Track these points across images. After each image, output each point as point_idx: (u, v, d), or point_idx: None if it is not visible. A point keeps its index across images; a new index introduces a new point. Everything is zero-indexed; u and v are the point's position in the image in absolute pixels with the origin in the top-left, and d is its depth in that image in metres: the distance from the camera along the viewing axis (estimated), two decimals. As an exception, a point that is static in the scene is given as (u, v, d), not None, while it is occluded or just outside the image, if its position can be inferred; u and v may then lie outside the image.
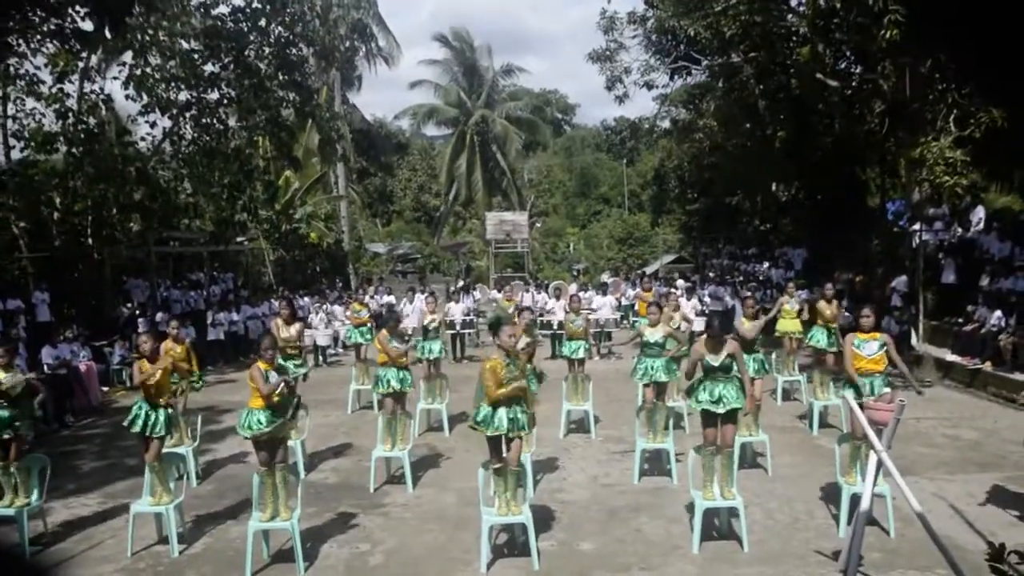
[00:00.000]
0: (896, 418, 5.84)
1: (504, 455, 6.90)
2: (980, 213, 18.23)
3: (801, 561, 6.77)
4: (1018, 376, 12.94)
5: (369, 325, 14.79)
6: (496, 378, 6.79)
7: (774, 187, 27.95)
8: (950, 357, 14.91)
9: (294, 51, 20.41)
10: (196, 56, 18.85)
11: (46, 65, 16.98)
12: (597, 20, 21.89)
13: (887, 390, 7.60)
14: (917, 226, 16.37)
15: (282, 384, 7.18)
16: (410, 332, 12.71)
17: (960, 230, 18.61)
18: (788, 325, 13.26)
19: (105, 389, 15.46)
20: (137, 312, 18.93)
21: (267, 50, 19.73)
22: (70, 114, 17.40)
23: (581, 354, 11.86)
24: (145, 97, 18.56)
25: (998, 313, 14.28)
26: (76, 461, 10.98)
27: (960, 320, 15.58)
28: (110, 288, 19.41)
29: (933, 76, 13.81)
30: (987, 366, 13.78)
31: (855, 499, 7.15)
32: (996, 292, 15.08)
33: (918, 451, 9.94)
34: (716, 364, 7.28)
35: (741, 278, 26.56)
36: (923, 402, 12.58)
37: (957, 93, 13.36)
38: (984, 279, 15.78)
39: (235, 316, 20.02)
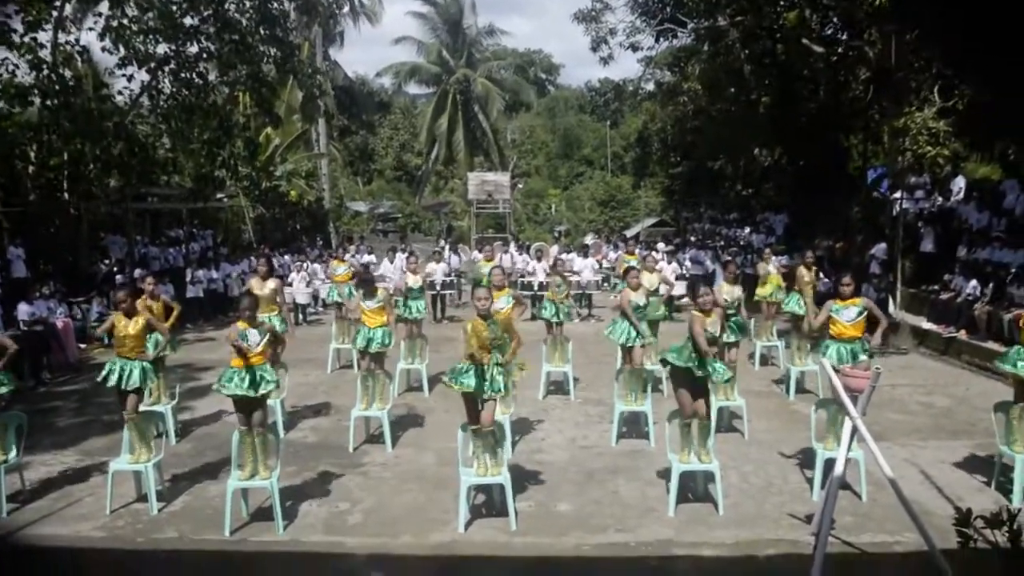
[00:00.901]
0: (872, 385, 5.91)
1: (478, 415, 6.94)
2: (960, 183, 18.33)
3: (775, 524, 6.89)
4: (991, 345, 13.11)
5: (349, 284, 14.73)
6: (479, 338, 6.85)
7: (757, 152, 27.92)
8: (926, 325, 15.08)
9: (275, 5, 20.00)
10: (175, 8, 18.42)
11: (18, 12, 16.53)
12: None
13: (864, 357, 7.69)
14: (898, 194, 16.44)
15: (265, 339, 7.17)
16: (391, 291, 12.73)
17: (940, 199, 18.73)
18: (766, 290, 13.36)
19: (82, 346, 15.34)
20: (115, 269, 18.74)
21: (248, 3, 19.32)
22: (44, 66, 16.99)
23: (562, 318, 11.89)
24: (122, 50, 18.15)
25: (974, 282, 14.44)
26: (53, 418, 10.94)
27: (937, 288, 15.76)
28: (87, 244, 19.16)
29: (919, 45, 13.79)
30: (962, 334, 13.95)
31: (829, 464, 7.28)
32: (973, 262, 15.22)
33: (892, 417, 10.09)
34: (717, 332, 7.25)
35: (722, 243, 26.64)
36: (899, 369, 12.82)
37: (941, 63, 13.37)
38: (961, 248, 15.92)
39: (214, 274, 19.88)
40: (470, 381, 6.81)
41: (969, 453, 8.66)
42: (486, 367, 6.87)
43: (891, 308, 15.63)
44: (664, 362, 7.46)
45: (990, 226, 16.03)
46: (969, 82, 12.76)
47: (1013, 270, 14.04)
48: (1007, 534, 2.96)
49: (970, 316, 13.97)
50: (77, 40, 18.32)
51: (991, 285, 14.02)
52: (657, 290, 12.06)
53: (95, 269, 18.70)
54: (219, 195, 24.86)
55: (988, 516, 3.00)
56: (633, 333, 9.84)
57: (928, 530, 5.57)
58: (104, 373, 7.66)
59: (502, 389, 6.93)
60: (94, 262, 19.10)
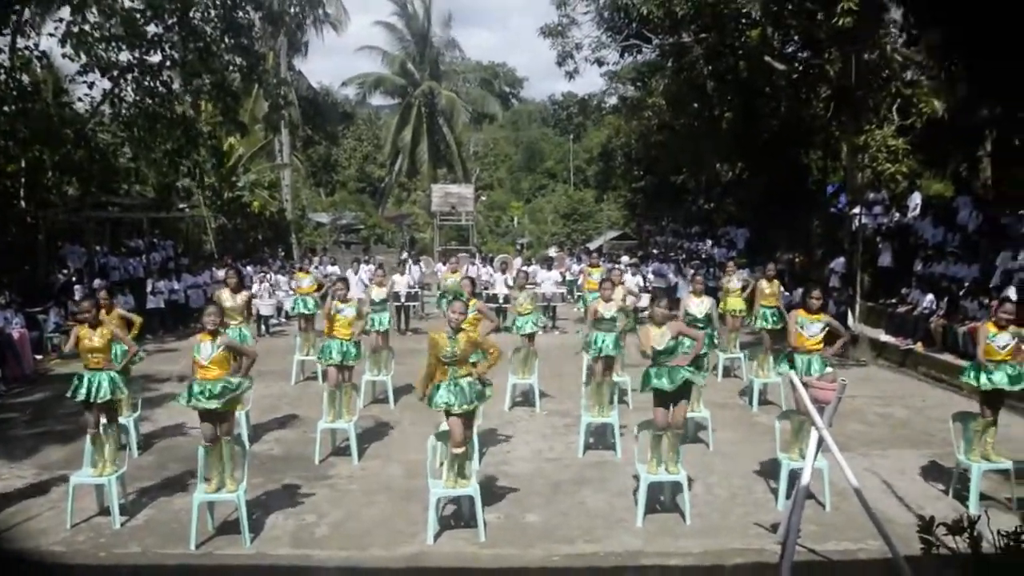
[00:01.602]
0: (838, 397, 6.03)
1: (462, 431, 6.91)
2: (916, 199, 18.81)
3: (741, 533, 6.97)
4: (947, 357, 13.42)
5: (314, 295, 14.63)
6: (435, 350, 6.85)
7: (719, 167, 28.31)
8: (884, 337, 15.39)
9: (242, 14, 19.83)
10: (138, 15, 18.17)
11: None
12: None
13: (829, 369, 7.83)
14: (856, 210, 16.80)
15: (216, 352, 7.01)
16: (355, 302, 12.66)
17: (897, 215, 19.15)
18: (730, 303, 13.54)
19: (38, 357, 15.00)
20: (73, 279, 18.39)
21: (213, 12, 19.14)
22: (1, 70, 16.66)
23: (529, 329, 11.94)
24: (83, 56, 17.86)
25: (930, 296, 14.80)
26: (9, 431, 10.69)
27: (894, 302, 16.09)
28: (44, 253, 18.79)
29: (879, 65, 14.13)
30: (919, 347, 14.26)
31: (793, 474, 7.39)
32: (929, 276, 15.60)
33: (853, 428, 10.26)
34: (661, 348, 7.31)
35: (684, 256, 26.93)
36: (858, 381, 13.03)
37: (901, 83, 13.74)
38: (918, 263, 16.30)
39: (176, 284, 19.62)
40: (445, 398, 6.78)
41: (927, 462, 8.86)
42: (449, 382, 6.85)
43: (850, 321, 15.90)
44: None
45: (945, 242, 16.44)
46: (948, 84, 13.11)
47: (967, 284, 14.41)
48: (968, 540, 3.04)
49: (926, 329, 14.29)
50: (36, 45, 18.01)
51: (946, 299, 14.36)
52: (625, 300, 12.17)
53: (53, 279, 18.32)
54: (181, 205, 24.57)
55: (950, 523, 3.09)
56: (602, 344, 9.86)
57: (892, 538, 5.68)
58: (72, 388, 7.50)
59: (475, 400, 6.91)
60: (51, 271, 18.72)
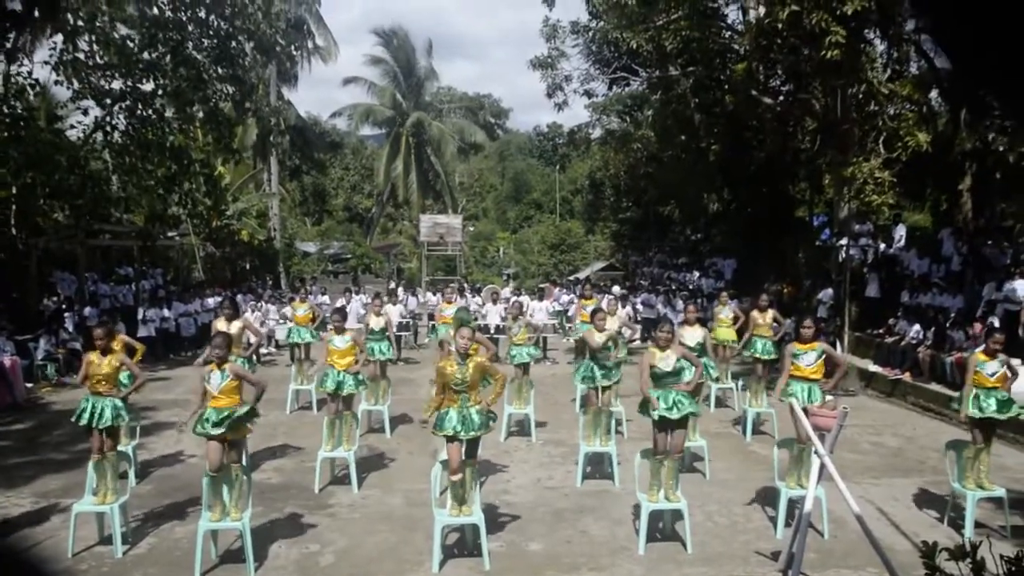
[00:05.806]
0: (839, 424, 6.15)
1: (462, 458, 6.99)
2: (901, 231, 19.12)
3: (743, 561, 7.03)
4: (935, 387, 13.61)
5: (308, 325, 14.66)
6: (443, 378, 6.95)
7: (706, 198, 28.65)
8: (872, 367, 15.58)
9: (235, 44, 19.99)
10: (132, 44, 18.29)
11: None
12: (540, 27, 22.36)
13: (830, 398, 7.96)
14: (844, 241, 17.06)
15: (226, 381, 7.05)
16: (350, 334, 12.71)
17: (883, 246, 19.45)
18: (722, 333, 13.70)
19: (30, 385, 14.89)
20: (64, 306, 18.31)
21: (206, 42, 19.30)
22: (-6, 96, 16.72)
23: (524, 359, 12.03)
24: (76, 84, 17.95)
25: (917, 327, 15.01)
26: (4, 459, 10.60)
27: (882, 332, 16.30)
28: (35, 280, 18.71)
29: (865, 99, 14.46)
30: (907, 377, 14.45)
31: (792, 502, 7.50)
32: (915, 307, 15.84)
33: (846, 457, 10.36)
34: (669, 369, 7.46)
35: (673, 286, 27.12)
36: (849, 410, 13.17)
37: (887, 116, 14.05)
38: (904, 294, 16.55)
39: (166, 313, 19.58)
40: (454, 424, 6.87)
41: (919, 490, 8.99)
42: (460, 408, 6.95)
43: (839, 351, 16.10)
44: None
45: (930, 273, 16.71)
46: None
47: (952, 315, 14.65)
48: (970, 566, 3.12)
49: (914, 359, 14.49)
50: (30, 72, 18.08)
51: (933, 329, 14.58)
52: (620, 332, 12.30)
53: (43, 306, 18.24)
54: (171, 233, 24.57)
55: (952, 548, 3.17)
56: (597, 373, 9.95)
57: (892, 564, 5.78)
58: (77, 412, 7.51)
59: (481, 428, 6.99)
60: (42, 299, 18.63)
